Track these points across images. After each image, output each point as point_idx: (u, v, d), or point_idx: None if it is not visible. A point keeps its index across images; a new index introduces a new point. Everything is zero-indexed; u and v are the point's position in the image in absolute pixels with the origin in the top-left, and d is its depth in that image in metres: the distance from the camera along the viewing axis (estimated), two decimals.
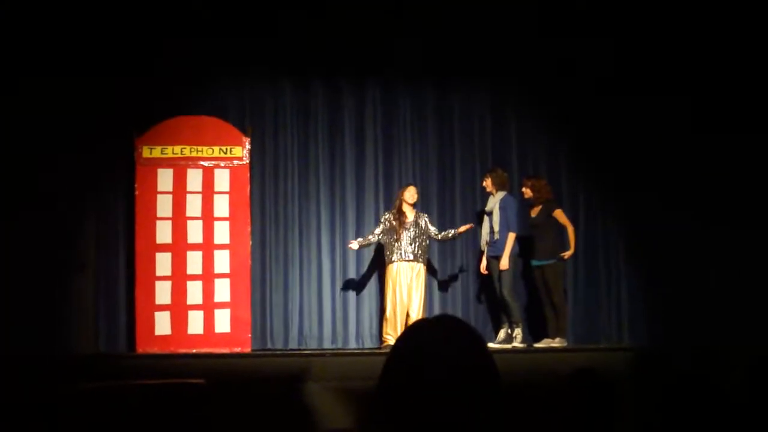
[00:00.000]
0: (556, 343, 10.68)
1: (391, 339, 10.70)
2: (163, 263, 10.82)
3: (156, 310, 10.74)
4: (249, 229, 11.12)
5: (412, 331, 2.16)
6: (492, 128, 12.20)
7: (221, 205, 11.03)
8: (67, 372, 8.20)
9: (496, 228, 10.87)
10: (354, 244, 11.09)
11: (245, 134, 11.17)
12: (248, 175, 11.16)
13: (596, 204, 12.14)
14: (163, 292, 10.78)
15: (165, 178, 10.96)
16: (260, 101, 11.85)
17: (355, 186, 11.96)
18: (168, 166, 10.98)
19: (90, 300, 11.04)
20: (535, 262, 11.05)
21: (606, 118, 11.72)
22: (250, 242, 11.16)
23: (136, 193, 10.88)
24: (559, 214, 10.99)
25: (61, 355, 9.60)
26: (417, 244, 10.91)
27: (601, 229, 12.10)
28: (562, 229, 11.00)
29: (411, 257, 10.89)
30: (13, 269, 9.76)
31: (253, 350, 10.93)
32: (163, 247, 10.84)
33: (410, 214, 11.04)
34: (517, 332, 10.80)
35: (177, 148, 11.00)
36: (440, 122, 12.14)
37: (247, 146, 11.13)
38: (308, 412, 8.25)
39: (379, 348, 11.03)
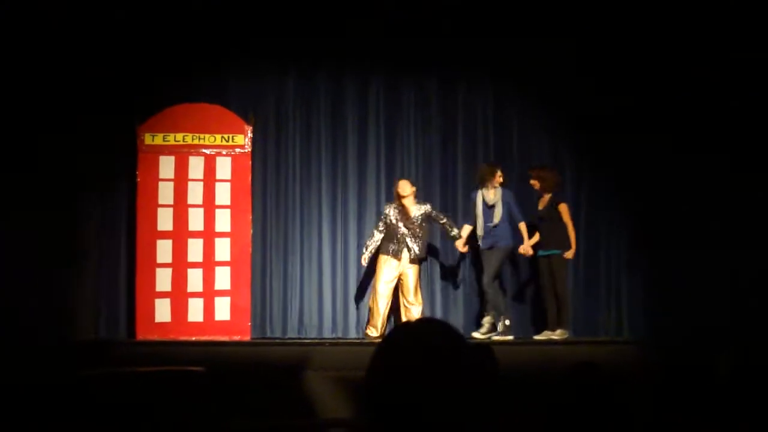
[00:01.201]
0: (557, 335, 10.65)
1: (372, 332, 10.75)
2: (164, 250, 10.83)
3: (156, 297, 10.75)
4: (250, 217, 11.12)
5: (396, 331, 2.21)
6: (494, 121, 12.17)
7: (222, 193, 11.03)
8: (67, 358, 8.21)
9: (497, 219, 10.88)
10: (365, 258, 11.11)
11: (248, 122, 11.17)
12: (250, 163, 11.16)
13: (598, 196, 12.12)
14: (163, 279, 10.79)
15: (167, 166, 10.96)
16: (263, 90, 11.84)
17: (357, 176, 11.95)
18: (170, 153, 10.98)
19: (91, 286, 11.06)
20: (542, 252, 10.99)
21: (609, 111, 11.69)
22: (251, 230, 11.16)
23: (138, 180, 10.88)
24: (563, 209, 10.93)
25: (61, 342, 9.62)
26: (415, 240, 10.89)
27: (604, 222, 12.09)
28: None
29: (404, 253, 10.87)
30: (15, 256, 9.77)
31: (252, 338, 10.94)
32: (165, 234, 10.84)
33: (412, 207, 11.01)
34: (497, 324, 10.87)
35: (179, 136, 10.99)
36: (443, 113, 12.12)
37: (249, 134, 11.12)
38: (307, 400, 8.25)
39: (375, 339, 11.04)
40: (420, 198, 11.21)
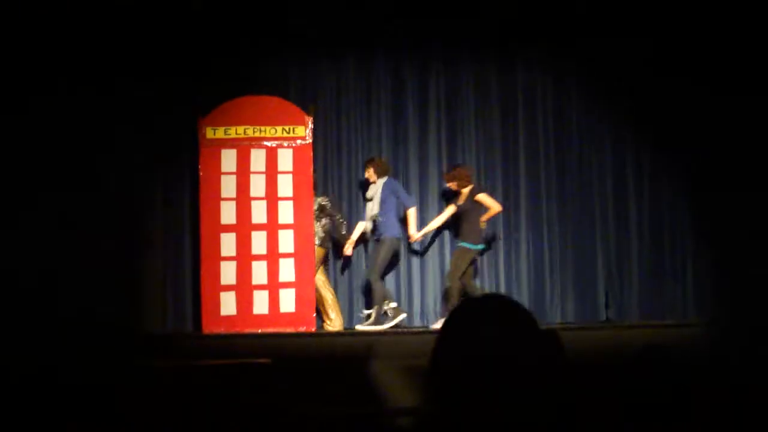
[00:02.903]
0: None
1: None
2: (228, 243, 10.87)
3: (221, 291, 10.80)
4: (313, 208, 11.14)
5: (461, 310, 2.17)
6: (553, 107, 12.12)
7: (285, 185, 11.04)
8: (136, 351, 8.29)
9: (376, 210, 11.09)
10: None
11: (308, 113, 11.17)
12: (311, 154, 11.16)
13: (662, 180, 12.01)
14: (228, 273, 10.84)
15: (229, 159, 11.00)
16: (323, 80, 11.88)
17: (418, 165, 11.96)
18: (231, 146, 11.02)
19: (158, 280, 11.16)
20: (458, 242, 11.24)
21: (670, 91, 11.57)
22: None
23: (201, 174, 10.94)
24: (483, 198, 11.13)
25: (130, 335, 9.72)
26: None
27: (668, 206, 11.99)
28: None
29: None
30: (83, 250, 9.88)
31: (318, 329, 10.97)
32: (228, 228, 10.89)
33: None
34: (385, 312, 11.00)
35: (240, 129, 11.03)
36: (504, 101, 12.08)
37: (310, 125, 11.13)
38: (374, 390, 8.26)
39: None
40: (486, 181, 11.33)
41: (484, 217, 11.02)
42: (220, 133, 11.01)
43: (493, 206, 11.10)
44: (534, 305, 11.67)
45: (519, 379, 2.01)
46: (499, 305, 2.13)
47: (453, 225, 11.53)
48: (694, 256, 11.87)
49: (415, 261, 11.81)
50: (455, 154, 11.95)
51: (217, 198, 10.91)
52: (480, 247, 11.15)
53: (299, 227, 10.98)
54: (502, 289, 11.81)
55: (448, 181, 11.27)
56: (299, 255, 10.94)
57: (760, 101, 10.83)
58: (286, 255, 10.93)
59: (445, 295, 11.20)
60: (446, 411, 2.04)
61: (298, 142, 11.08)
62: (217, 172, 10.95)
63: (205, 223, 10.87)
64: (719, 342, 8.77)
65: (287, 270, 10.91)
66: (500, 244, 11.87)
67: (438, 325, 10.77)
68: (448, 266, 11.57)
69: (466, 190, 11.13)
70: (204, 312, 10.77)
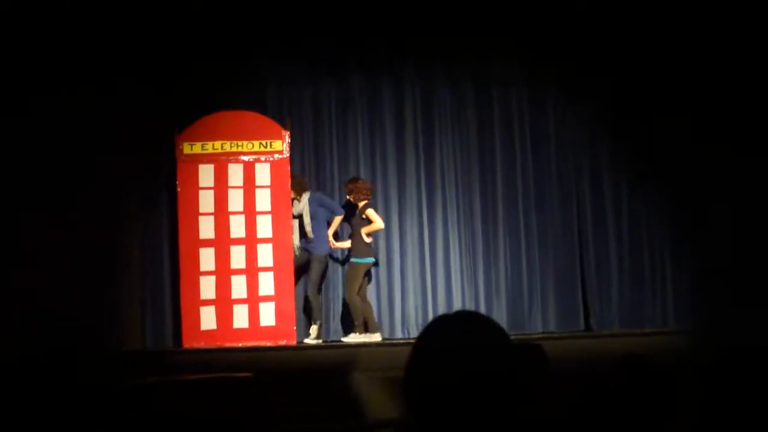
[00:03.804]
0: (350, 338, 10.98)
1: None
2: (207, 258, 10.87)
3: (201, 305, 10.79)
4: (291, 222, 11.14)
5: (432, 326, 2.20)
6: (530, 119, 12.17)
7: (263, 199, 11.05)
8: (115, 369, 8.27)
9: (308, 229, 11.19)
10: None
11: (285, 128, 11.18)
12: (289, 168, 11.17)
13: (641, 188, 12.07)
14: (207, 287, 10.83)
15: (206, 174, 11.00)
16: (299, 94, 11.88)
17: (396, 177, 11.97)
18: (209, 161, 11.02)
19: (136, 297, 11.13)
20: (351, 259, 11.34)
21: (646, 102, 11.65)
22: (292, 235, 11.19)
23: (178, 189, 10.93)
24: (370, 213, 11.20)
25: (109, 352, 9.69)
26: None
27: (646, 214, 12.05)
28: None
29: None
30: (60, 267, 9.84)
31: (298, 342, 10.96)
32: (207, 243, 10.89)
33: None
34: (313, 328, 11.19)
35: (217, 144, 11.03)
36: (479, 111, 12.12)
37: (287, 139, 11.14)
38: (355, 402, 8.26)
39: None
40: (464, 194, 11.36)
41: (365, 230, 11.08)
42: (197, 148, 11.00)
43: (376, 222, 11.17)
44: (513, 315, 11.72)
45: (493, 391, 2.03)
46: (472, 319, 2.17)
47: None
48: (674, 264, 11.91)
49: (396, 272, 11.81)
50: (433, 165, 11.97)
51: (196, 213, 10.90)
52: (369, 260, 11.20)
53: (278, 241, 10.98)
54: (482, 299, 11.84)
55: (347, 194, 11.36)
56: (278, 268, 10.94)
57: (747, 104, 10.92)
58: (265, 269, 10.94)
59: (349, 312, 11.21)
60: (423, 424, 2.06)
61: (276, 156, 11.09)
62: (195, 187, 10.95)
63: (184, 237, 10.86)
64: (699, 350, 8.81)
65: (267, 284, 10.91)
66: (479, 254, 11.88)
67: (350, 339, 10.95)
68: (429, 277, 11.62)
69: (360, 204, 11.21)
70: (184, 327, 10.75)
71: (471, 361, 2.06)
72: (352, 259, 11.16)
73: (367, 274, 11.32)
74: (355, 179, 11.39)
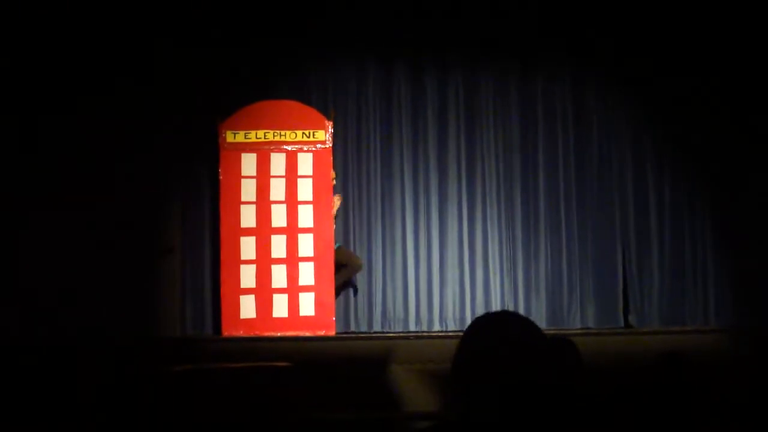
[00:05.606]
0: None
1: None
2: (248, 247, 10.89)
3: (241, 294, 10.82)
4: (332, 212, 11.16)
5: (478, 323, 2.23)
6: (573, 113, 12.11)
7: (305, 189, 11.06)
8: (155, 356, 8.32)
9: None
10: None
11: (328, 118, 11.19)
12: (331, 158, 11.18)
13: (682, 183, 11.99)
14: (248, 276, 10.86)
15: (249, 163, 11.02)
16: (343, 84, 11.90)
17: (438, 168, 11.95)
18: (251, 150, 11.04)
19: (177, 284, 11.19)
20: None
21: (690, 104, 11.60)
22: (334, 225, 11.21)
23: (221, 177, 10.97)
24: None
25: (149, 339, 9.76)
26: None
27: (688, 209, 11.96)
28: None
29: None
30: (102, 254, 9.94)
31: (337, 333, 10.97)
32: (248, 231, 10.92)
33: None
34: None
35: (260, 133, 11.06)
36: (523, 103, 12.08)
37: (330, 129, 11.15)
38: (392, 394, 8.27)
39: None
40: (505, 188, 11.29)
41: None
42: (240, 137, 11.04)
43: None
44: (553, 311, 11.68)
45: (534, 385, 2.04)
46: (513, 319, 2.21)
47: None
48: (716, 261, 11.83)
49: (435, 265, 11.80)
50: (474, 157, 11.94)
51: (238, 201, 10.93)
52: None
53: (319, 231, 10.99)
54: (520, 294, 11.79)
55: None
56: (319, 259, 10.96)
57: None
58: (306, 259, 10.95)
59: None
60: (466, 416, 2.07)
61: (318, 146, 11.10)
62: (237, 176, 10.98)
63: (225, 226, 10.90)
64: (740, 347, 8.75)
65: (307, 274, 10.93)
66: (518, 249, 11.85)
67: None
68: (468, 271, 11.61)
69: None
70: (224, 315, 10.80)
71: (514, 360, 2.07)
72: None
73: None
74: None
